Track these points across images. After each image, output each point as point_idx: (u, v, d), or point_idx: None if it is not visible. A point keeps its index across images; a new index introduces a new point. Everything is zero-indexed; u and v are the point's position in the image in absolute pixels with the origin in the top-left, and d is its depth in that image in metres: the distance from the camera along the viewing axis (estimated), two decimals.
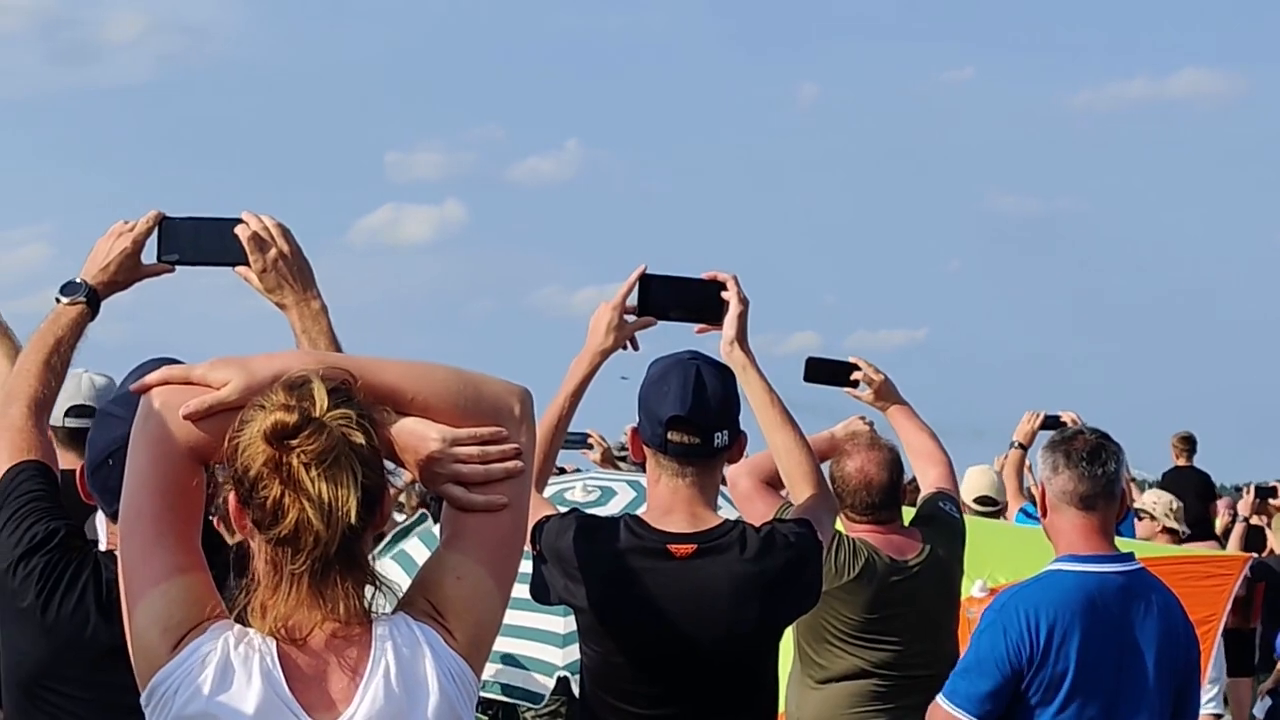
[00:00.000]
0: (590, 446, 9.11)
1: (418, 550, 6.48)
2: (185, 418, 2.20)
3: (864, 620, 4.94)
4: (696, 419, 3.60)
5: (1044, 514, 4.21)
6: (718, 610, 3.57)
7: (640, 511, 3.76)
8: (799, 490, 3.88)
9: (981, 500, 8.40)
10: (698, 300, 3.92)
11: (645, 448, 3.70)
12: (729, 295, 3.88)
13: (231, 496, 2.19)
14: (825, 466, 4.77)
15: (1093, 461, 4.14)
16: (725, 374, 3.71)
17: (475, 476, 2.28)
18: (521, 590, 3.75)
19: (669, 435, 3.61)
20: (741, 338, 3.87)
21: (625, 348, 3.87)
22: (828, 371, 5.19)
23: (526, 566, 3.78)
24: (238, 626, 2.18)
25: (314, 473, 2.12)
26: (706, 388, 3.62)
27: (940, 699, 4.12)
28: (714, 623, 3.57)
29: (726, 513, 3.79)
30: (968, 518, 5.53)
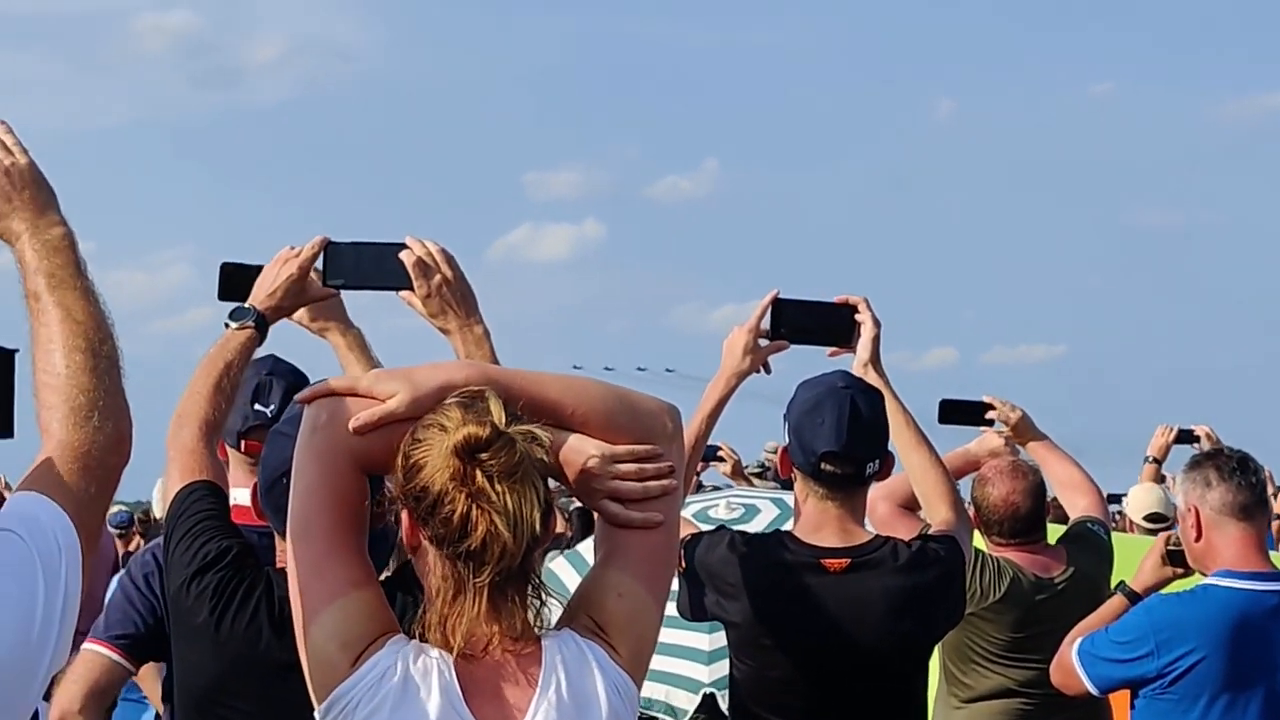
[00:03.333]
0: (721, 460, 9.14)
1: (563, 569, 6.53)
2: (355, 431, 2.22)
3: (1010, 639, 4.93)
4: (851, 453, 3.64)
5: (1197, 536, 4.18)
6: (872, 623, 3.61)
7: (788, 527, 3.81)
8: (936, 510, 3.91)
9: (1151, 518, 8.29)
10: (830, 323, 3.97)
11: (795, 470, 3.74)
12: (862, 318, 3.94)
13: (405, 514, 2.21)
14: (963, 484, 4.80)
15: (1244, 471, 4.12)
16: (877, 401, 3.74)
17: (634, 493, 2.30)
18: (666, 607, 3.82)
19: (823, 465, 3.65)
20: (875, 360, 3.92)
21: (759, 371, 3.93)
22: (962, 412, 5.21)
23: (673, 583, 3.85)
24: (414, 641, 2.20)
25: (502, 486, 2.14)
26: (861, 419, 3.65)
27: (1075, 652, 4.15)
28: (869, 636, 3.61)
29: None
30: (1136, 536, 5.50)
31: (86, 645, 3.82)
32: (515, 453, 2.16)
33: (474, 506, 2.15)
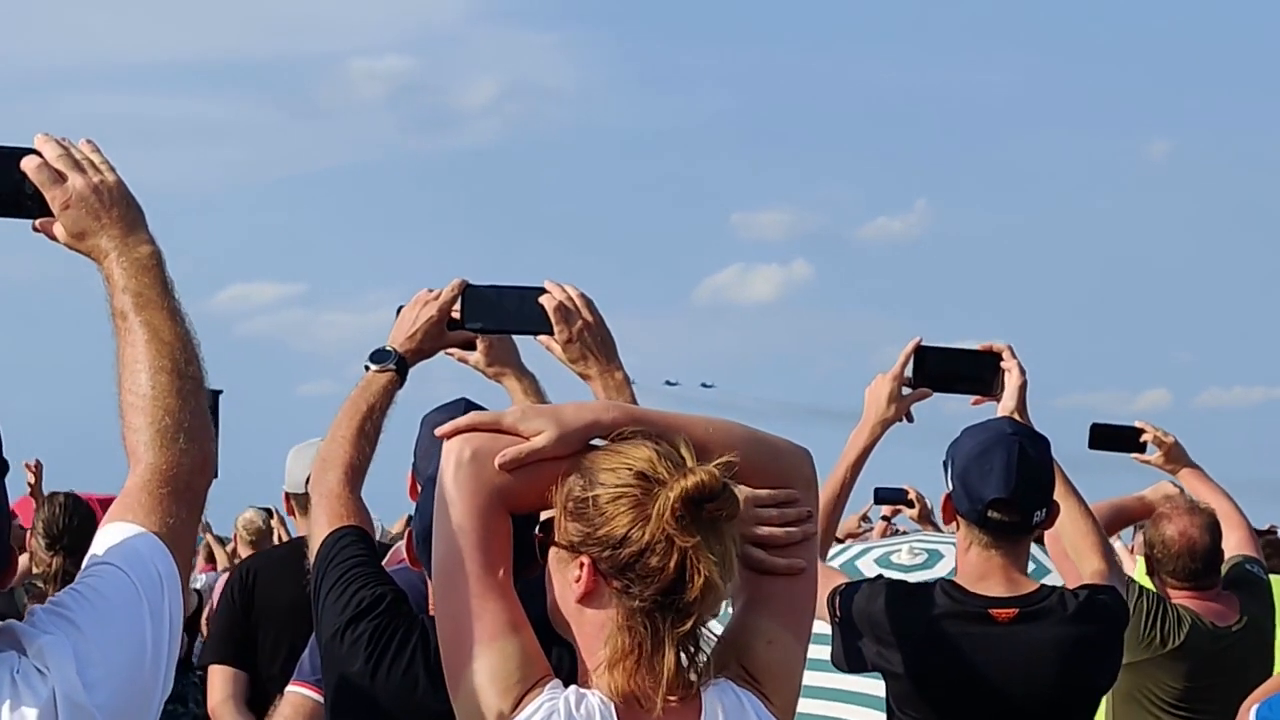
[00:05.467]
0: (910, 504, 9.03)
1: None
2: (502, 467, 2.16)
3: (1185, 688, 4.88)
4: (1019, 501, 3.58)
5: None
6: (1043, 674, 3.55)
7: (951, 576, 3.73)
8: (1088, 560, 3.84)
9: None
10: (973, 371, 3.94)
11: (959, 516, 3.67)
12: (1007, 365, 3.91)
13: (585, 562, 2.14)
14: (1129, 528, 4.75)
15: None
16: (1045, 448, 3.67)
17: (777, 539, 2.25)
18: (826, 651, 3.76)
19: (989, 513, 3.58)
20: (1021, 409, 3.87)
21: (902, 420, 3.90)
22: (1115, 437, 5.17)
23: (824, 629, 3.78)
24: (573, 688, 2.15)
25: (719, 534, 2.10)
26: (1029, 467, 3.58)
27: (1255, 717, 4.02)
28: (1039, 687, 3.55)
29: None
30: None
31: (291, 688, 3.83)
32: (736, 501, 2.12)
33: (691, 557, 2.09)
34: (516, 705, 2.13)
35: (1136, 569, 5.61)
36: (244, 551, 9.95)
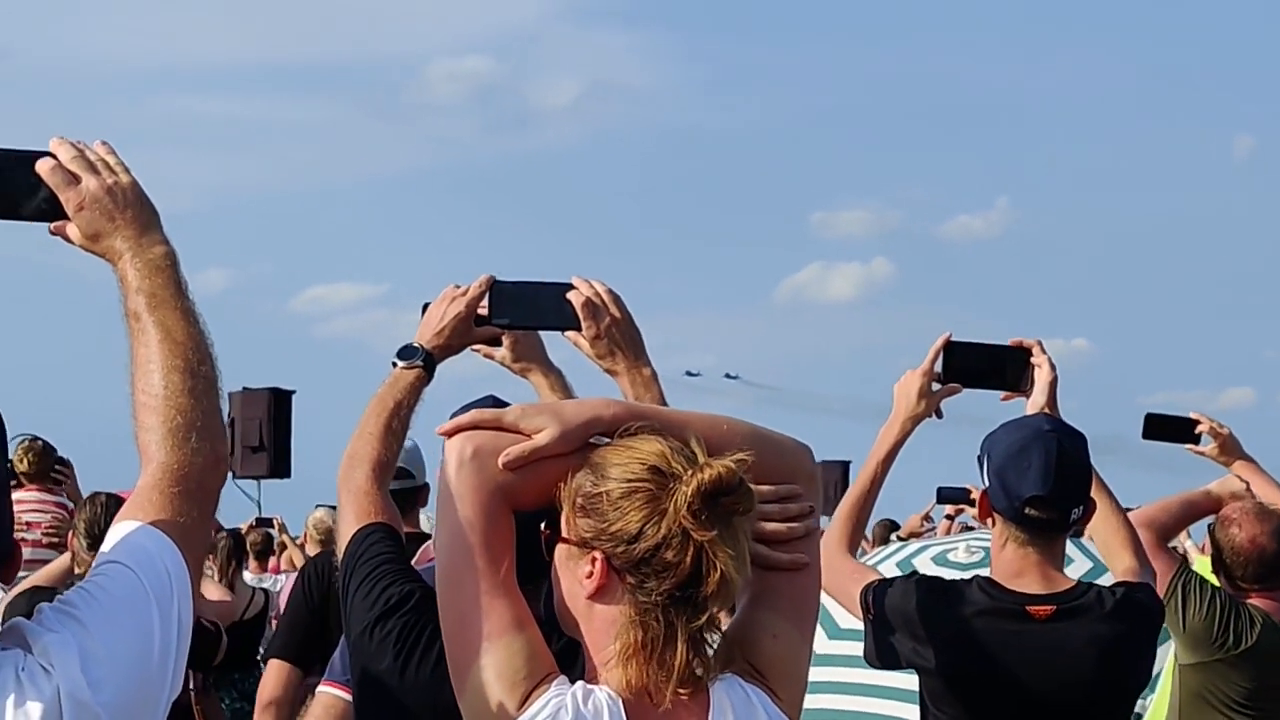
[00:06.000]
0: (973, 503, 8.99)
1: None
2: (505, 466, 2.16)
3: (1255, 689, 4.84)
4: (1058, 500, 3.55)
5: None
6: (1079, 672, 3.53)
7: (987, 573, 3.70)
8: (1119, 557, 3.81)
9: None
10: (1003, 367, 3.92)
11: (995, 513, 3.64)
12: (1038, 361, 3.89)
13: (598, 557, 2.14)
14: (1200, 523, 4.70)
15: None
16: (1082, 446, 3.64)
17: (779, 535, 2.25)
18: (860, 648, 3.74)
19: (1027, 510, 3.56)
20: (1052, 405, 3.85)
21: (932, 416, 3.88)
22: (1169, 427, 5.12)
23: (858, 625, 3.76)
24: (580, 683, 2.14)
25: (734, 528, 2.10)
26: (1068, 464, 3.56)
27: None
28: (1075, 685, 3.53)
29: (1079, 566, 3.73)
30: None
31: (322, 688, 3.84)
32: (752, 495, 2.12)
33: (706, 551, 2.09)
34: (523, 702, 2.13)
35: (1198, 564, 5.57)
36: (313, 551, 10.04)
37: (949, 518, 10.57)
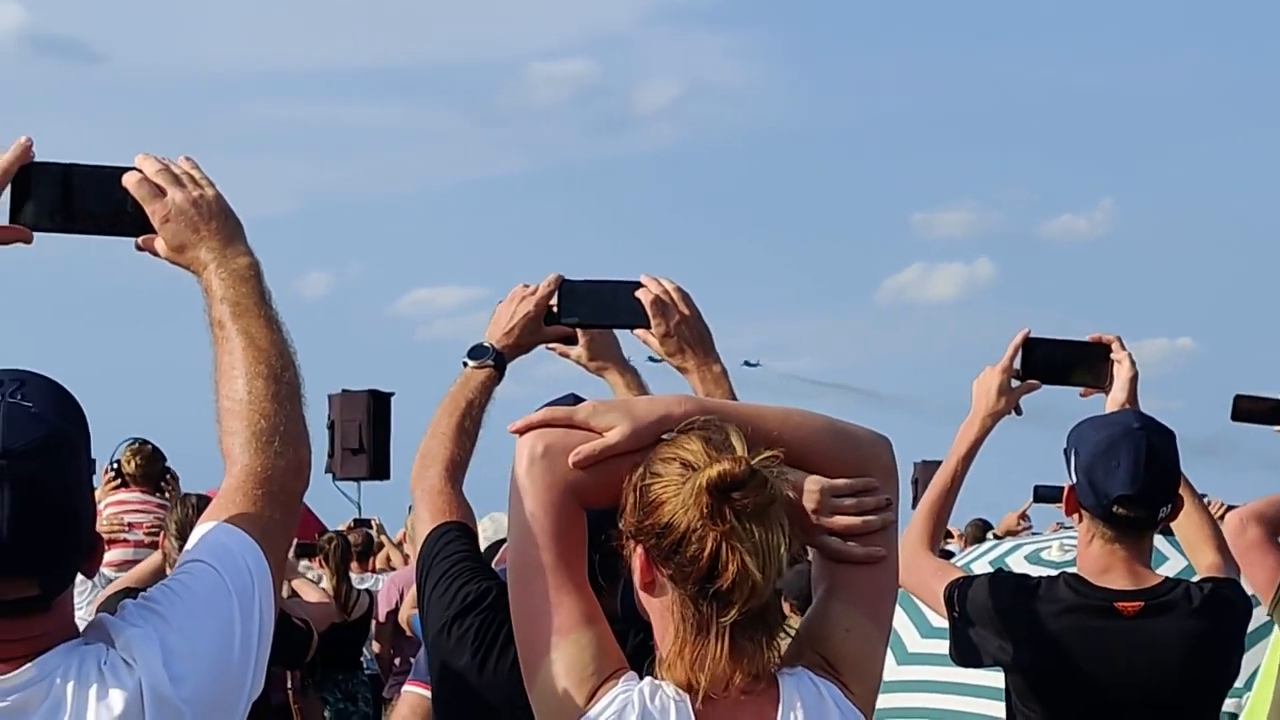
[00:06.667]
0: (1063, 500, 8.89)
1: None
2: (576, 464, 2.17)
3: None
4: (1146, 498, 3.53)
5: None
6: (1169, 668, 3.51)
7: (1074, 569, 3.67)
8: (1202, 553, 3.79)
9: None
10: (1082, 363, 3.90)
11: (1082, 509, 3.61)
12: (1118, 357, 3.86)
13: (640, 551, 2.16)
14: None
15: None
16: (1171, 443, 3.61)
17: (855, 527, 2.24)
18: (945, 646, 3.71)
19: (1115, 509, 3.53)
20: (1133, 401, 3.82)
21: (1011, 413, 3.87)
22: (1260, 409, 5.00)
23: (943, 623, 3.73)
24: (648, 679, 2.15)
25: (752, 524, 2.09)
26: (1157, 462, 3.53)
27: None
28: (1164, 681, 3.51)
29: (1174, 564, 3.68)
30: None
31: (408, 688, 3.87)
32: (768, 489, 2.10)
33: (724, 545, 2.08)
34: (591, 697, 2.14)
35: None
36: (411, 551, 10.09)
37: (1024, 516, 10.51)
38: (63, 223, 2.49)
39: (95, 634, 2.13)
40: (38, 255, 2.56)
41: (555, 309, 3.31)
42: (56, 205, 2.48)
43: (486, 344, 3.29)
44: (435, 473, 3.13)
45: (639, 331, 3.27)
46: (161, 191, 2.44)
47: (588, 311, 3.31)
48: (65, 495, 2.09)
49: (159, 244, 2.45)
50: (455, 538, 3.06)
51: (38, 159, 2.46)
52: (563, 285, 3.30)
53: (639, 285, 3.25)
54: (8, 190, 2.44)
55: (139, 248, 2.48)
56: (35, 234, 2.48)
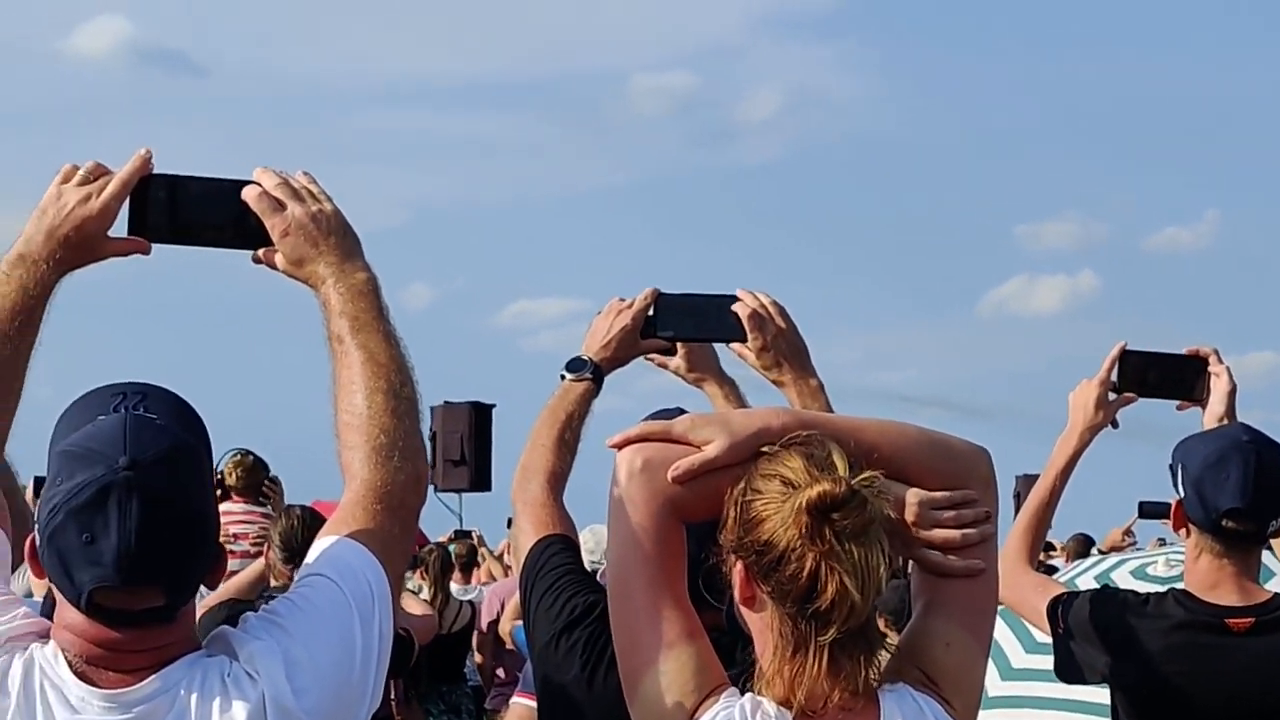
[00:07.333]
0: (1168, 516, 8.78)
1: None
2: (674, 479, 2.16)
3: None
4: (1256, 512, 3.48)
5: None
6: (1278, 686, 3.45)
7: (1181, 585, 3.62)
8: None
9: None
10: (1179, 376, 3.87)
11: (1190, 524, 3.57)
12: (1215, 370, 3.83)
13: (740, 567, 2.15)
14: None
15: None
16: (1279, 455, 3.55)
17: (954, 541, 2.21)
18: (1050, 662, 3.67)
19: (1225, 522, 3.49)
20: (1231, 415, 3.79)
21: (1109, 426, 3.83)
22: None
23: (1047, 640, 3.69)
24: (749, 695, 2.14)
25: (852, 544, 2.07)
26: (1267, 475, 3.48)
27: None
28: (1276, 699, 3.45)
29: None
30: None
31: (516, 699, 3.88)
32: (867, 510, 2.09)
33: (823, 565, 2.07)
34: (693, 714, 2.13)
35: None
36: (512, 563, 10.13)
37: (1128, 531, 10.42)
38: (181, 235, 2.50)
39: (217, 646, 2.14)
40: (155, 267, 2.58)
41: (652, 323, 3.31)
42: (175, 217, 2.48)
43: (584, 357, 3.29)
44: (537, 485, 3.13)
45: (735, 346, 3.27)
46: (281, 205, 2.44)
47: (684, 325, 3.30)
48: (191, 505, 2.10)
49: (278, 258, 2.45)
50: (559, 550, 3.06)
51: (156, 170, 2.47)
52: (659, 299, 3.30)
53: (735, 299, 3.25)
54: (127, 201, 2.45)
55: (256, 261, 2.48)
56: (153, 245, 2.48)
